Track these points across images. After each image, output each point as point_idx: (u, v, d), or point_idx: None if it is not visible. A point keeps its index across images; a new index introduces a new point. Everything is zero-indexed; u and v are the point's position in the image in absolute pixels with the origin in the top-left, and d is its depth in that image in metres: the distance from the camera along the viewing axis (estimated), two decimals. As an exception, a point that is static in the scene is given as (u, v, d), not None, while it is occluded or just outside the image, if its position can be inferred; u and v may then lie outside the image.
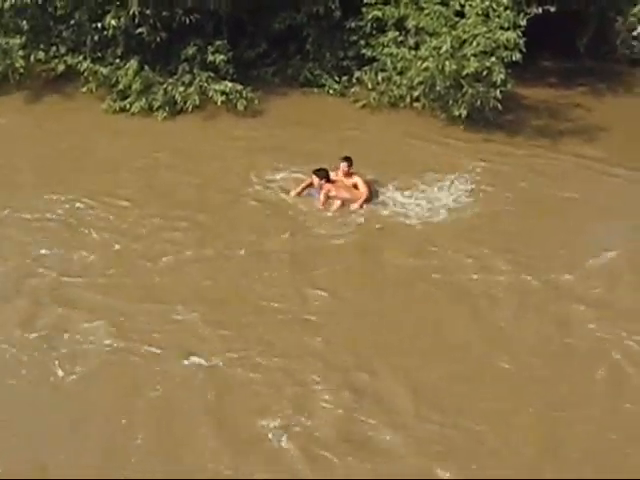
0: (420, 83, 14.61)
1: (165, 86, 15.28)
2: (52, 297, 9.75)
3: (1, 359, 8.74)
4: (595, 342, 9.13)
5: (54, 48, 16.30)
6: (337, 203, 11.98)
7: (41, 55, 16.11)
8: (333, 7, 15.70)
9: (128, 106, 15.13)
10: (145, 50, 15.64)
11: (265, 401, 8.15)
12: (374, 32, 15.67)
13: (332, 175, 12.35)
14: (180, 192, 12.34)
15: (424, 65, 14.14)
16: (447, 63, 13.84)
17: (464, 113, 14.37)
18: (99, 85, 15.68)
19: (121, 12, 15.13)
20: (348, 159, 12.44)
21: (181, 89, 15.26)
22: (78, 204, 11.90)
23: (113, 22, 15.14)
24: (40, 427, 7.92)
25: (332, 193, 12.14)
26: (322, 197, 12.05)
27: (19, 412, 8.11)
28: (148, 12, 15.15)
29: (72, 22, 15.89)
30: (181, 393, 8.28)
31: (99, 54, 15.93)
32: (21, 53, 15.83)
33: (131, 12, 15.01)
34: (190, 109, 15.14)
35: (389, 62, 15.38)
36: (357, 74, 16.02)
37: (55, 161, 13.48)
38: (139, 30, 15.35)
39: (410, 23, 14.92)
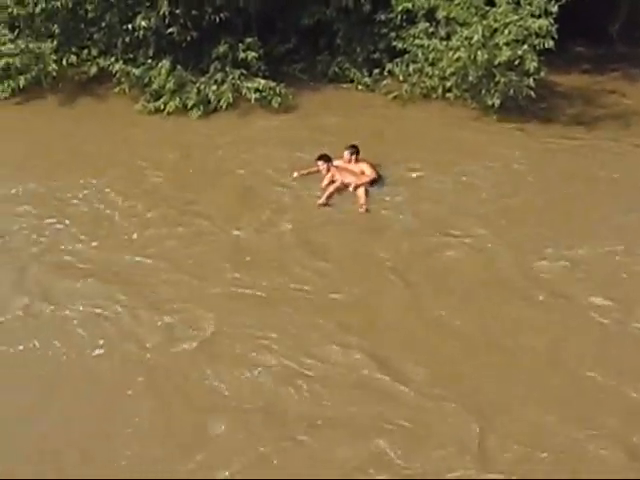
0: (452, 74, 14.93)
1: (198, 85, 15.72)
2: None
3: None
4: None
5: (86, 51, 16.88)
6: (331, 188, 12.57)
7: (73, 58, 16.65)
8: (362, 0, 16.07)
9: (162, 106, 15.61)
10: (176, 50, 16.07)
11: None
12: (404, 24, 15.97)
13: (337, 162, 13.10)
14: (199, 182, 13.25)
15: (456, 55, 14.45)
16: (479, 53, 14.13)
17: (497, 102, 14.64)
18: (132, 86, 16.16)
19: (151, 13, 15.59)
20: (352, 147, 13.19)
21: (214, 87, 15.70)
22: (107, 189, 12.92)
23: (143, 23, 15.60)
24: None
25: (336, 177, 12.82)
26: (326, 180, 12.82)
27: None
28: (178, 12, 15.59)
29: (103, 24, 16.37)
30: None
31: (131, 55, 16.41)
32: (53, 57, 16.33)
33: (161, 12, 15.45)
34: (224, 107, 15.60)
35: (420, 53, 15.68)
36: (388, 66, 16.31)
37: (89, 155, 14.19)
38: (170, 30, 15.77)
39: (440, 14, 15.17)
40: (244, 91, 15.70)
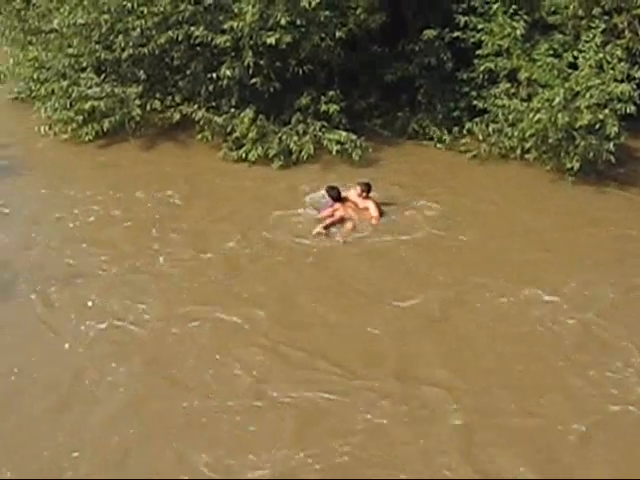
0: (532, 135, 15.91)
1: (280, 135, 17.13)
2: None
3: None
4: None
5: (170, 97, 18.44)
6: (328, 221, 14.51)
7: (157, 104, 18.25)
8: (445, 58, 17.58)
9: (244, 155, 16.97)
10: (259, 100, 17.51)
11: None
12: (486, 84, 17.22)
13: (345, 192, 15.00)
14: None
15: (536, 117, 15.51)
16: (560, 115, 15.19)
17: (576, 165, 15.63)
18: (214, 134, 17.62)
19: (236, 63, 17.06)
20: (365, 185, 15.01)
21: (295, 138, 17.10)
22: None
23: (228, 72, 17.00)
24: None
25: (338, 212, 14.69)
26: (326, 212, 14.74)
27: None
28: (262, 63, 17.06)
29: (188, 72, 17.96)
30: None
31: (214, 103, 17.91)
32: (138, 102, 17.84)
33: (245, 63, 16.90)
34: (305, 158, 16.95)
35: (500, 114, 16.70)
36: (468, 125, 17.54)
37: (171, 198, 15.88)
38: (253, 80, 17.19)
39: (522, 75, 16.37)
40: (325, 142, 17.09)
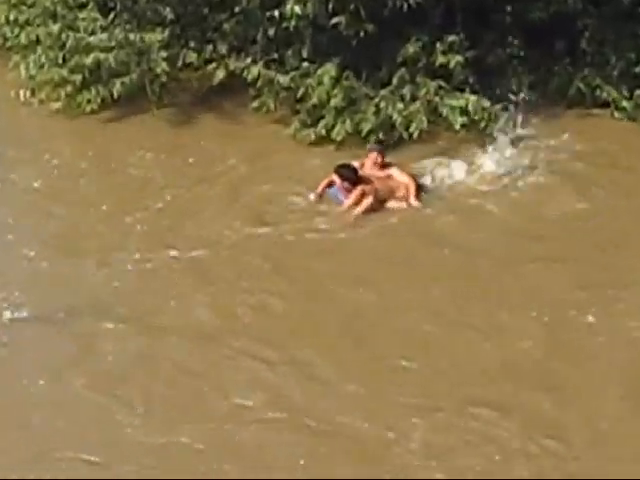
0: None
1: (377, 101, 14.55)
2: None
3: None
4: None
5: (210, 47, 16.01)
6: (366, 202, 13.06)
7: (192, 57, 15.88)
8: (620, -14, 15.10)
9: (324, 131, 14.52)
10: (344, 50, 14.99)
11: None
12: None
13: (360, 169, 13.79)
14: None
15: None
16: None
17: None
18: (277, 100, 15.11)
19: None
20: (377, 145, 13.86)
21: (400, 106, 14.45)
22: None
23: (296, 9, 14.32)
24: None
25: (369, 198, 13.14)
26: (352, 199, 13.16)
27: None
28: None
29: (237, 10, 15.42)
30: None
31: (276, 55, 15.51)
32: (163, 54, 15.42)
33: None
34: (415, 135, 14.34)
35: None
36: None
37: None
38: (334, 20, 14.53)
39: None
40: (444, 111, 14.50)
